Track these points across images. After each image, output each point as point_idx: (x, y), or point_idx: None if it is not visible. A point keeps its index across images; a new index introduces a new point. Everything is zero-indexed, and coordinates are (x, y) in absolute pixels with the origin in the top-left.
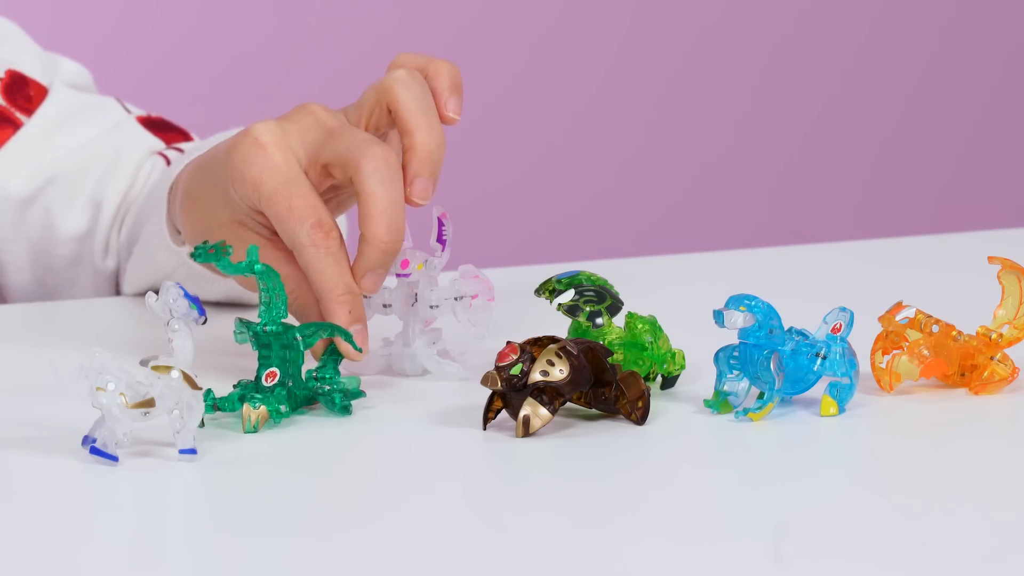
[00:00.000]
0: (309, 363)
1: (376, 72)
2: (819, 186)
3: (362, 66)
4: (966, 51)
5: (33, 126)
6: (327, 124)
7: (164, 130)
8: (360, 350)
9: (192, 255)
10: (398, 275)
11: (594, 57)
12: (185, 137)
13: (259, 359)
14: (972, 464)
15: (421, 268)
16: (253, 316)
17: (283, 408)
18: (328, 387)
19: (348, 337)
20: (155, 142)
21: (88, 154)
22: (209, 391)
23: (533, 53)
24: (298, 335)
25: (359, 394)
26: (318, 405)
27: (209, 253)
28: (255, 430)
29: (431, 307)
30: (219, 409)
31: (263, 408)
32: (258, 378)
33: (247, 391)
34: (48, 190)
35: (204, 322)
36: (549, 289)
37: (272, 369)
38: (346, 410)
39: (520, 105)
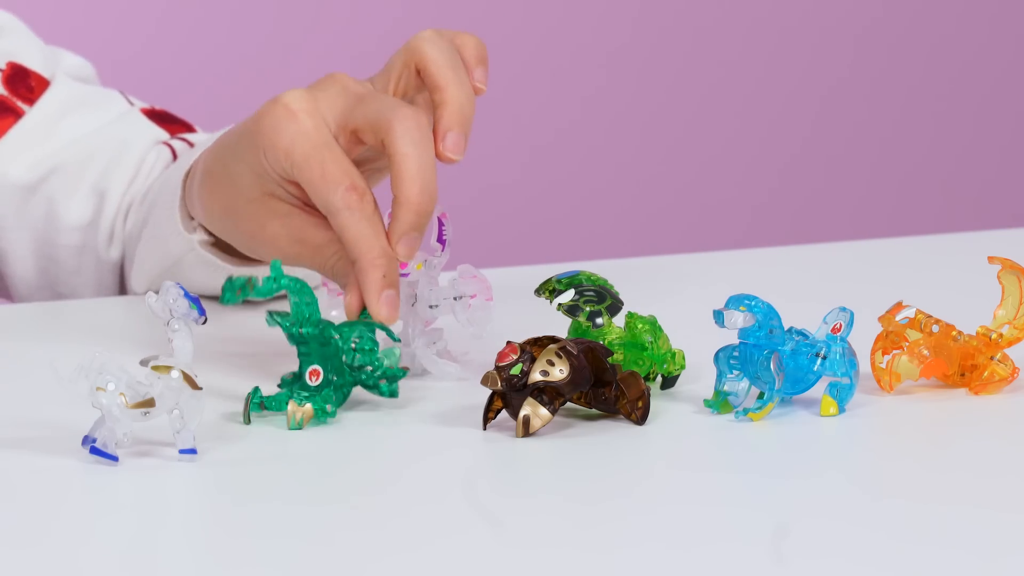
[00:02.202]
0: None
1: (381, 64)
2: (819, 186)
3: (366, 61)
4: (966, 51)
5: (35, 115)
6: (355, 91)
7: (168, 122)
8: (398, 340)
9: (221, 300)
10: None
11: (593, 56)
12: (188, 129)
13: (299, 355)
14: (972, 464)
15: (420, 268)
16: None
17: (329, 408)
18: (369, 371)
19: (387, 332)
20: (160, 132)
21: (92, 144)
22: (256, 389)
23: (533, 52)
24: (335, 334)
25: (401, 373)
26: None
27: (237, 294)
28: (300, 427)
29: (430, 307)
30: (266, 408)
31: (309, 406)
32: (301, 375)
33: (294, 389)
34: (51, 179)
35: (204, 322)
36: (549, 289)
37: (315, 367)
38: (394, 394)
39: (518, 104)
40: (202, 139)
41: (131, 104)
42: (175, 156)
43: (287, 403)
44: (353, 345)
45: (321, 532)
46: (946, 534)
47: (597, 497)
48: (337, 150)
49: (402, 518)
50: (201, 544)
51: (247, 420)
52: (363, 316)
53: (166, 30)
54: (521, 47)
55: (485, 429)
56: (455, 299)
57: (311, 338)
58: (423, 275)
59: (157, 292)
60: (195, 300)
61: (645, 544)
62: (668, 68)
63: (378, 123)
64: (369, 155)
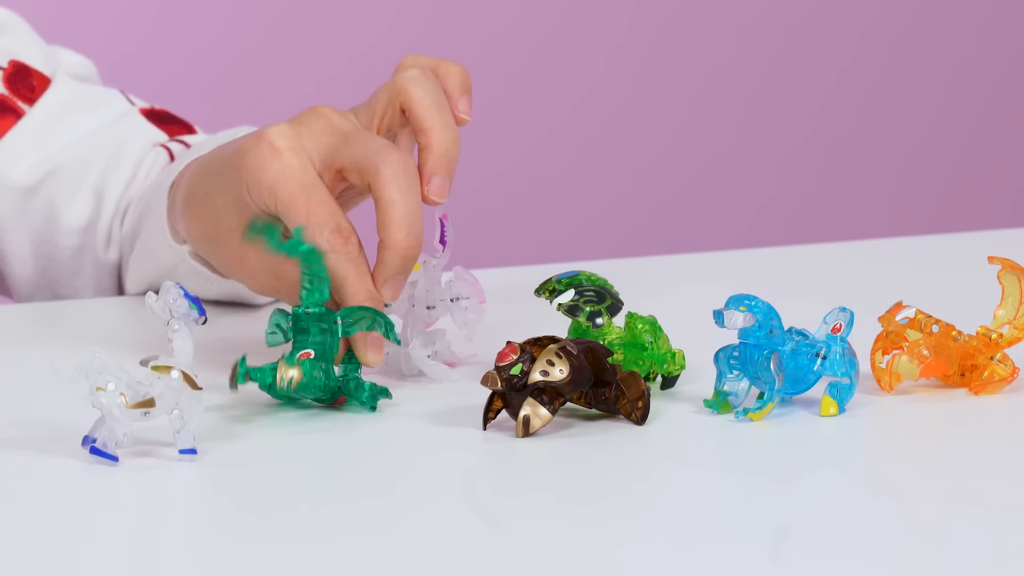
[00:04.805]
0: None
1: (378, 63)
2: (819, 186)
3: (365, 60)
4: (964, 50)
5: (35, 115)
6: (340, 128)
7: (167, 122)
8: (399, 342)
9: (245, 233)
10: None
11: (590, 55)
12: (188, 130)
13: (294, 344)
14: (972, 464)
15: (418, 268)
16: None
17: (317, 373)
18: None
19: (390, 327)
20: (158, 134)
21: (91, 145)
22: (243, 359)
23: (530, 49)
24: (339, 319)
25: (386, 393)
26: (340, 402)
27: (258, 228)
28: (289, 389)
29: (428, 308)
30: (251, 379)
31: (298, 368)
32: (292, 355)
33: (283, 357)
34: (50, 181)
35: (204, 322)
36: (549, 289)
37: (307, 350)
38: (374, 400)
39: (515, 101)
40: (199, 140)
41: (131, 104)
42: (172, 158)
43: (272, 372)
44: (339, 384)
45: (321, 532)
46: (946, 534)
47: (597, 497)
48: (322, 190)
49: (402, 518)
50: (201, 544)
51: (233, 387)
52: (347, 358)
53: (163, 28)
54: (519, 43)
55: (485, 429)
56: (451, 300)
57: (314, 320)
58: (421, 276)
59: (157, 292)
60: (195, 300)
61: (645, 544)
62: (665, 67)
63: (365, 166)
64: (354, 188)
